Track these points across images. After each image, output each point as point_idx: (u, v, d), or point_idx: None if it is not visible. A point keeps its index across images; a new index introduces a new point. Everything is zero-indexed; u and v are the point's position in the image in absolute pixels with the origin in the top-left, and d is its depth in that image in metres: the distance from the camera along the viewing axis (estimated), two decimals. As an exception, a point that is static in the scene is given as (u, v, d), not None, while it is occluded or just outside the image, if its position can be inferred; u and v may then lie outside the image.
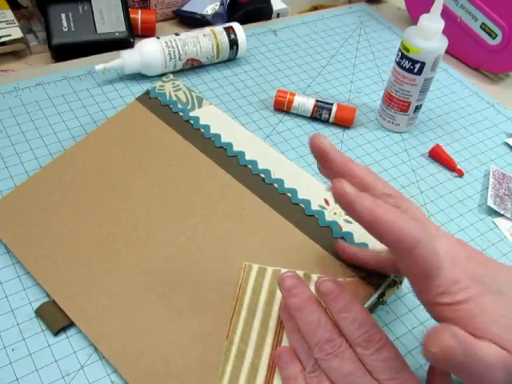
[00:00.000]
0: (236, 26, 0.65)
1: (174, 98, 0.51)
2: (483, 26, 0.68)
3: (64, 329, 0.39)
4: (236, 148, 0.47)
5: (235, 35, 0.64)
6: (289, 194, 0.44)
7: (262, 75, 0.66)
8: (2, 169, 0.50)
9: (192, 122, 0.50)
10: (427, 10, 0.53)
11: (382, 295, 0.41)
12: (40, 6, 0.64)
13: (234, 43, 0.64)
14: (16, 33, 0.61)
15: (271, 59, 0.69)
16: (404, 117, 0.59)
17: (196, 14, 0.71)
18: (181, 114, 0.50)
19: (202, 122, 0.49)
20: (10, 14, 0.63)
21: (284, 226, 0.42)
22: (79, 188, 0.46)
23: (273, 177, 0.45)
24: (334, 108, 0.60)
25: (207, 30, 0.64)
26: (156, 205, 0.44)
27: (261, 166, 0.46)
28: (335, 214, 0.43)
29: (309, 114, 0.60)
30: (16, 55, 0.64)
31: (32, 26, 0.67)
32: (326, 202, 0.43)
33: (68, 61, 0.63)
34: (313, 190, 0.44)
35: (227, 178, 0.46)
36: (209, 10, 0.71)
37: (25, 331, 0.39)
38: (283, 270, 0.40)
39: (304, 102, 0.60)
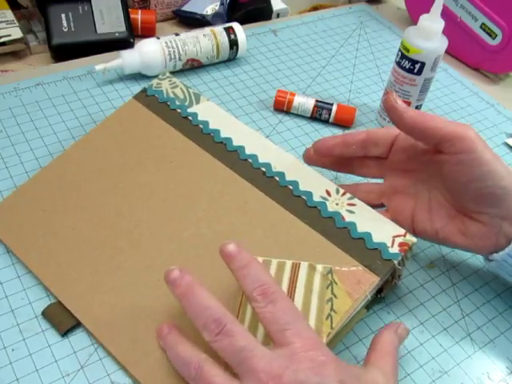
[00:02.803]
0: (236, 26, 0.65)
1: (172, 95, 0.51)
2: (483, 26, 0.68)
3: (71, 329, 0.39)
4: (236, 143, 0.47)
5: (235, 35, 0.64)
6: (290, 187, 0.44)
7: (261, 75, 0.66)
8: (2, 169, 0.50)
9: (190, 118, 0.49)
10: (427, 10, 0.53)
11: (380, 291, 0.41)
12: (40, 6, 0.64)
13: (234, 43, 0.64)
14: (16, 33, 0.61)
15: (271, 59, 0.69)
16: (404, 117, 0.59)
17: (196, 14, 0.71)
18: (179, 110, 0.50)
19: (201, 117, 0.49)
20: (10, 14, 0.63)
21: (287, 219, 0.42)
22: (80, 187, 0.46)
23: (273, 170, 0.45)
24: (334, 108, 0.60)
25: (207, 30, 0.64)
26: (157, 201, 0.44)
27: (261, 160, 0.46)
28: (337, 204, 0.42)
29: (309, 114, 0.60)
30: (16, 55, 0.64)
31: (32, 26, 0.67)
32: (328, 193, 0.43)
33: (68, 61, 0.63)
34: (314, 181, 0.44)
35: (228, 172, 0.45)
36: (209, 10, 0.71)
37: (25, 331, 0.39)
38: (288, 262, 0.40)
39: (304, 102, 0.60)
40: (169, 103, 0.51)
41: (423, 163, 0.43)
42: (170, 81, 0.52)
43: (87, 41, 0.63)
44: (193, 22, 0.71)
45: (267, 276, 0.34)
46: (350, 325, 0.40)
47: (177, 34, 0.62)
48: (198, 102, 0.50)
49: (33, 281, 0.42)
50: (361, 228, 0.41)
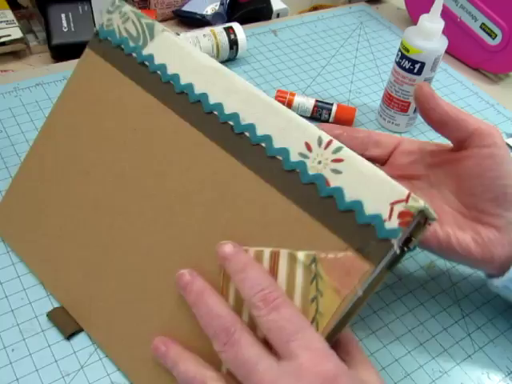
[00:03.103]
0: (236, 26, 0.65)
1: (125, 34, 0.41)
2: (483, 26, 0.68)
3: (75, 333, 0.39)
4: (197, 90, 0.37)
5: (235, 35, 0.64)
6: (263, 145, 0.34)
7: (262, 75, 0.66)
8: (2, 169, 0.50)
9: (147, 63, 0.39)
10: (427, 10, 0.53)
11: (408, 241, 0.30)
12: (40, 6, 0.64)
13: (234, 43, 0.64)
14: (16, 33, 0.61)
15: (271, 59, 0.69)
16: (404, 117, 0.59)
17: (196, 14, 0.71)
18: (134, 55, 0.40)
19: (158, 61, 0.39)
20: (10, 14, 0.63)
21: (261, 191, 0.34)
22: (59, 179, 0.42)
23: (242, 123, 0.35)
24: (334, 108, 0.60)
25: (207, 30, 0.64)
26: (129, 184, 0.39)
27: (228, 110, 0.36)
28: (320, 162, 0.32)
29: (309, 114, 0.60)
30: (16, 55, 0.64)
31: (32, 26, 0.67)
32: (308, 146, 0.33)
33: (68, 61, 0.63)
34: (291, 132, 0.34)
35: (192, 133, 0.37)
36: (209, 10, 0.71)
37: (25, 331, 0.39)
38: (266, 251, 0.33)
39: (304, 102, 0.60)
40: (123, 46, 0.41)
41: (427, 168, 0.41)
42: (120, 12, 0.41)
43: (87, 41, 0.63)
44: (193, 21, 0.72)
45: (268, 279, 0.31)
46: (369, 294, 0.31)
47: (177, 34, 0.62)
48: (152, 36, 0.40)
49: (33, 281, 0.42)
50: (349, 195, 0.31)
